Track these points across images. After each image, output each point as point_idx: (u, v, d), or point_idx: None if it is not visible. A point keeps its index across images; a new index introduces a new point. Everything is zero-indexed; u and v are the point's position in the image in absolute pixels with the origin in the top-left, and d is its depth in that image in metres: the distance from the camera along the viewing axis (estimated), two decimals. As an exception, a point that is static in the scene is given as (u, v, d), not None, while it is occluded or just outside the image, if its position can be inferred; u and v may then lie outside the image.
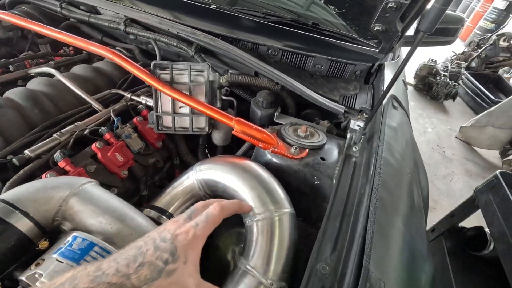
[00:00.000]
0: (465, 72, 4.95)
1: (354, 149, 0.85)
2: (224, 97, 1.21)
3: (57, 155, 0.75)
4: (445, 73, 4.79)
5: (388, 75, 1.14)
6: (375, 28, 0.92)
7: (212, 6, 1.17)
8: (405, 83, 1.53)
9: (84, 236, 0.55)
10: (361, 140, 0.86)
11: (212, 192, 0.79)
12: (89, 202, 0.60)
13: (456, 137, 3.99)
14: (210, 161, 0.81)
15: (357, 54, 1.12)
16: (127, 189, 0.92)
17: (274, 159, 0.84)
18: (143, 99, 1.05)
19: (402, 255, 0.63)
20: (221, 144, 1.10)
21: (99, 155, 0.83)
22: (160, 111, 0.97)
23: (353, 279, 0.52)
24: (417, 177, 0.94)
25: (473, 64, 5.30)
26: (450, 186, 3.16)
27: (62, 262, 0.50)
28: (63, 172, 0.76)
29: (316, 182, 0.78)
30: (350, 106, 1.07)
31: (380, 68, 1.20)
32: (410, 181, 0.81)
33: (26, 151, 0.75)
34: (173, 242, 0.44)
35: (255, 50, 1.15)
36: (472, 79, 4.85)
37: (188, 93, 0.93)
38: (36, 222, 0.56)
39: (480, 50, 5.18)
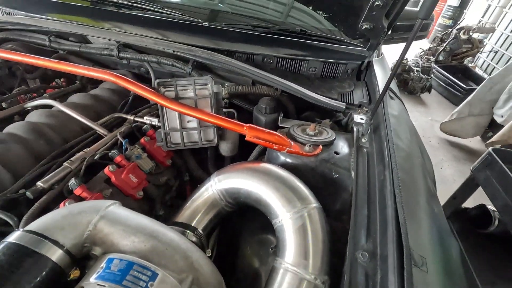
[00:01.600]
0: (435, 65, 5.28)
1: (363, 140, 0.89)
2: (224, 110, 1.23)
3: (72, 183, 0.73)
4: (417, 69, 5.08)
5: (378, 70, 1.21)
6: (363, 27, 0.98)
7: (204, 24, 1.21)
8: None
9: (119, 257, 0.53)
10: (369, 131, 0.90)
11: (234, 200, 0.79)
12: (118, 223, 0.59)
13: (441, 130, 4.14)
14: (227, 170, 0.82)
15: (346, 54, 1.19)
16: (143, 210, 0.89)
17: (289, 160, 0.85)
18: (147, 119, 1.04)
19: (431, 231, 0.65)
20: (229, 155, 1.11)
21: (113, 178, 0.82)
22: (168, 128, 0.97)
23: (397, 260, 0.53)
24: (423, 161, 0.98)
25: (441, 58, 5.67)
26: (441, 173, 3.27)
27: (105, 286, 0.48)
28: (80, 200, 0.73)
29: (334, 176, 0.80)
30: (349, 102, 1.11)
31: (369, 65, 1.27)
32: (421, 163, 0.85)
33: (39, 183, 0.73)
34: None
35: (251, 61, 1.19)
36: (442, 71, 5.17)
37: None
38: (67, 250, 0.54)
39: (444, 44, 5.56)
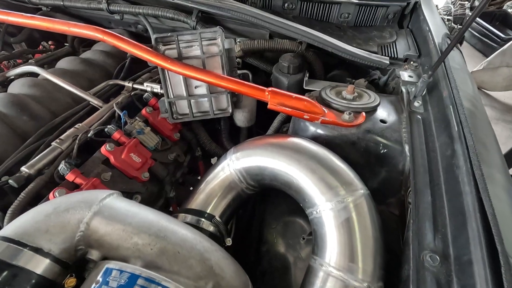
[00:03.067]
0: (469, 13, 4.64)
1: (416, 104, 0.70)
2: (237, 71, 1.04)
3: (62, 167, 0.60)
4: (448, 17, 4.49)
5: (428, 13, 0.96)
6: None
7: (208, -39, 0.96)
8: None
9: (119, 267, 0.41)
10: (423, 93, 0.70)
11: (257, 182, 0.65)
12: (116, 220, 0.47)
13: (469, 83, 3.77)
14: (247, 146, 0.67)
15: (389, -7, 0.94)
16: (151, 193, 0.78)
17: (322, 131, 0.69)
18: (147, 86, 0.88)
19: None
20: (246, 125, 0.95)
21: (111, 159, 0.69)
22: (172, 96, 0.80)
23: (490, 270, 0.39)
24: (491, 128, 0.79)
25: (476, 3, 4.96)
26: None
27: (103, 307, 0.37)
28: (74, 187, 0.62)
29: (382, 151, 0.64)
30: (391, 56, 0.90)
31: (415, 7, 1.01)
32: (492, 132, 0.67)
33: (23, 168, 0.61)
34: None
35: (268, 7, 0.97)
36: (478, 19, 4.55)
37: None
38: (54, 257, 0.43)
39: (483, -14, 4.82)
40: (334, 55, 0.86)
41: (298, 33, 0.83)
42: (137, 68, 1.02)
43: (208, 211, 0.67)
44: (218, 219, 0.66)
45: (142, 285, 0.40)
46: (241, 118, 0.92)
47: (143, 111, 0.83)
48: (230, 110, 0.84)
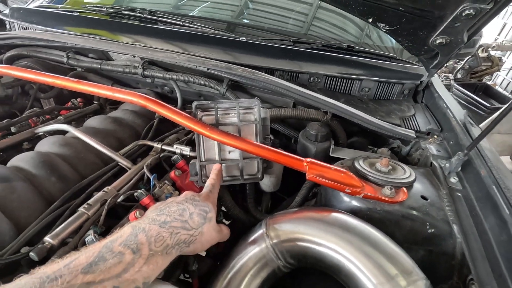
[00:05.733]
0: (454, 83, 5.11)
1: (452, 180, 0.70)
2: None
3: (91, 238, 0.55)
4: (436, 87, 4.92)
5: (441, 91, 1.04)
6: (437, 41, 0.83)
7: (242, 39, 1.07)
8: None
9: None
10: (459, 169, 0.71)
11: (298, 261, 0.60)
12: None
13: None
14: (286, 219, 0.64)
15: (405, 73, 1.03)
16: (173, 264, 0.71)
17: (360, 205, 0.67)
18: (177, 148, 0.88)
19: None
20: (271, 191, 0.93)
21: (139, 227, 0.64)
22: (203, 160, 0.80)
23: None
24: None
25: (459, 76, 5.50)
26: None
27: None
28: (99, 261, 0.56)
29: (429, 231, 0.61)
30: (413, 128, 0.94)
31: (427, 85, 1.11)
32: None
33: (47, 238, 0.56)
34: (204, 200, 0.59)
35: (294, 80, 1.04)
36: (462, 89, 4.98)
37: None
38: None
39: (463, 62, 5.41)
40: (356, 124, 0.90)
41: (326, 105, 0.88)
42: (164, 127, 1.05)
43: (240, 292, 0.60)
44: (253, 305, 0.58)
45: None
46: (267, 183, 0.90)
47: (172, 174, 0.81)
48: (260, 176, 0.83)
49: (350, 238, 0.53)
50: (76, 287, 0.36)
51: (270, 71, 1.04)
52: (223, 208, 0.90)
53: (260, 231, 0.65)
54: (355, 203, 0.67)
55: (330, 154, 0.92)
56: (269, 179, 0.89)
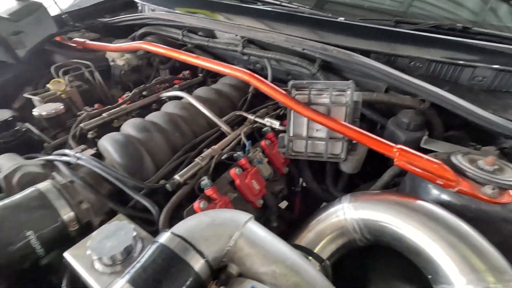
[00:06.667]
0: None
1: None
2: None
3: (206, 182, 0.72)
4: None
5: None
6: None
7: (340, 19, 1.07)
8: None
9: (265, 291, 0.46)
10: None
11: (375, 237, 0.65)
12: (258, 245, 0.53)
13: None
14: (367, 198, 0.68)
15: (539, 61, 0.86)
16: (258, 220, 0.84)
17: (450, 198, 0.65)
18: (267, 121, 0.99)
19: None
20: (351, 172, 0.96)
21: (237, 181, 0.79)
22: (292, 135, 0.88)
23: None
24: None
25: None
26: None
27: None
28: (209, 199, 0.72)
29: (535, 240, 0.56)
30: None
31: None
32: None
33: (176, 177, 0.75)
34: None
35: (392, 63, 1.00)
36: None
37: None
38: (208, 262, 0.50)
39: None
40: (459, 116, 0.82)
41: (426, 92, 0.83)
42: (256, 101, 1.17)
43: (315, 251, 0.69)
44: (327, 262, 0.67)
45: (285, 315, 0.43)
46: (348, 165, 0.94)
47: (262, 143, 0.92)
48: (343, 157, 0.87)
49: (434, 227, 0.54)
50: None
51: (366, 53, 1.01)
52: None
53: (340, 205, 0.71)
54: (445, 197, 0.66)
55: (421, 145, 0.88)
56: (351, 161, 0.92)
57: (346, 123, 0.75)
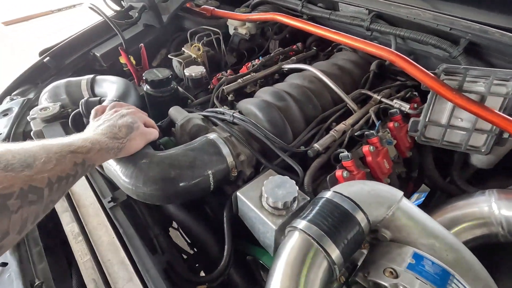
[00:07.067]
0: None
1: None
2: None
3: (346, 154, 0.78)
4: None
5: None
6: None
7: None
8: None
9: (431, 259, 0.52)
10: None
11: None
12: (414, 218, 0.58)
13: None
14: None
15: None
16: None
17: None
18: (396, 103, 0.98)
19: None
20: (485, 167, 0.91)
21: (369, 158, 0.83)
22: (429, 120, 0.87)
23: None
24: None
25: None
26: None
27: (426, 285, 0.48)
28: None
29: None
30: None
31: None
32: None
33: (316, 145, 0.83)
34: (130, 115, 0.70)
35: None
36: None
37: (479, 105, 0.78)
38: (369, 223, 0.58)
39: None
40: None
41: None
42: (376, 82, 1.15)
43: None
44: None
45: (454, 285, 0.48)
46: (483, 159, 0.89)
47: (390, 124, 0.93)
48: (485, 150, 0.83)
49: None
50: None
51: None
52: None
53: (483, 197, 0.70)
54: None
55: None
56: (491, 156, 0.87)
57: (509, 117, 0.71)
